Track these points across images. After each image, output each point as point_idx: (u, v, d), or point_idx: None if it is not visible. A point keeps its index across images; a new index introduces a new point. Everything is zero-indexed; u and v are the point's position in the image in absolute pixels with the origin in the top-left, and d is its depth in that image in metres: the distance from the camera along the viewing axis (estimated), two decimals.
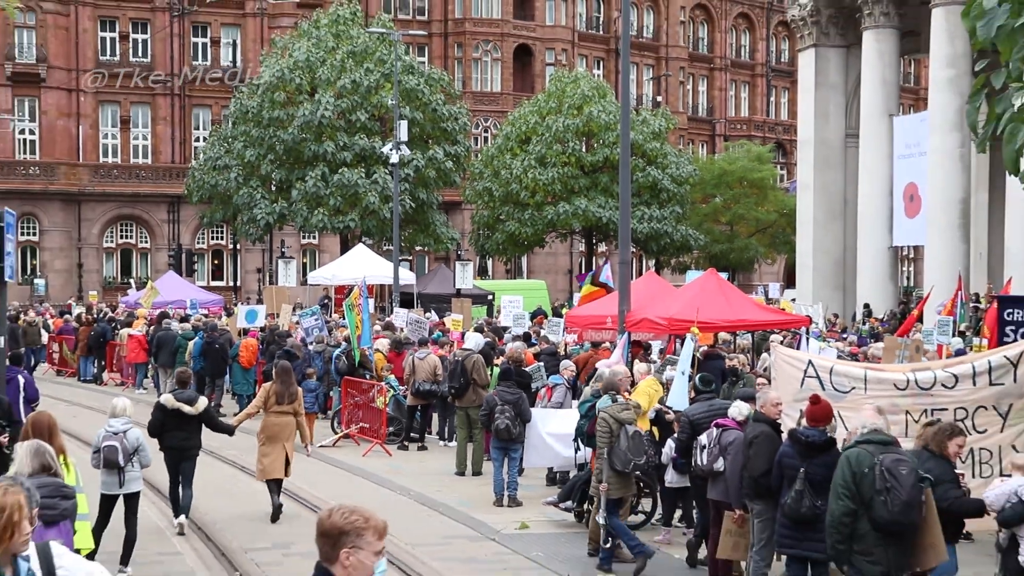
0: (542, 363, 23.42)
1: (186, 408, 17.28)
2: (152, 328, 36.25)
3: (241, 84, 62.21)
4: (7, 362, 20.64)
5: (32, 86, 72.23)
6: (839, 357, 22.17)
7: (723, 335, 26.41)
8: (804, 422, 12.70)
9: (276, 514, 18.17)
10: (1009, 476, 11.94)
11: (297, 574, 14.83)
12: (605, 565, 15.11)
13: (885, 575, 10.90)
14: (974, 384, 14.39)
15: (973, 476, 13.42)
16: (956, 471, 11.78)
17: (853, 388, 14.49)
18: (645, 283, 30.38)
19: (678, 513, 17.43)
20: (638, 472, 15.58)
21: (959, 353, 21.38)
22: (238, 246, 68.00)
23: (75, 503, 7.74)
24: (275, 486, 18.29)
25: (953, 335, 26.80)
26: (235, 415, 20.47)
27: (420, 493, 20.24)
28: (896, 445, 11.33)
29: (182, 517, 17.36)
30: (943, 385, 14.38)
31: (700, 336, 23.91)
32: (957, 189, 40.92)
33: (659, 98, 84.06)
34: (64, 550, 7.59)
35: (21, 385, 19.13)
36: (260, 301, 45.85)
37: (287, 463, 18.27)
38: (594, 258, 62.02)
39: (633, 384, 18.27)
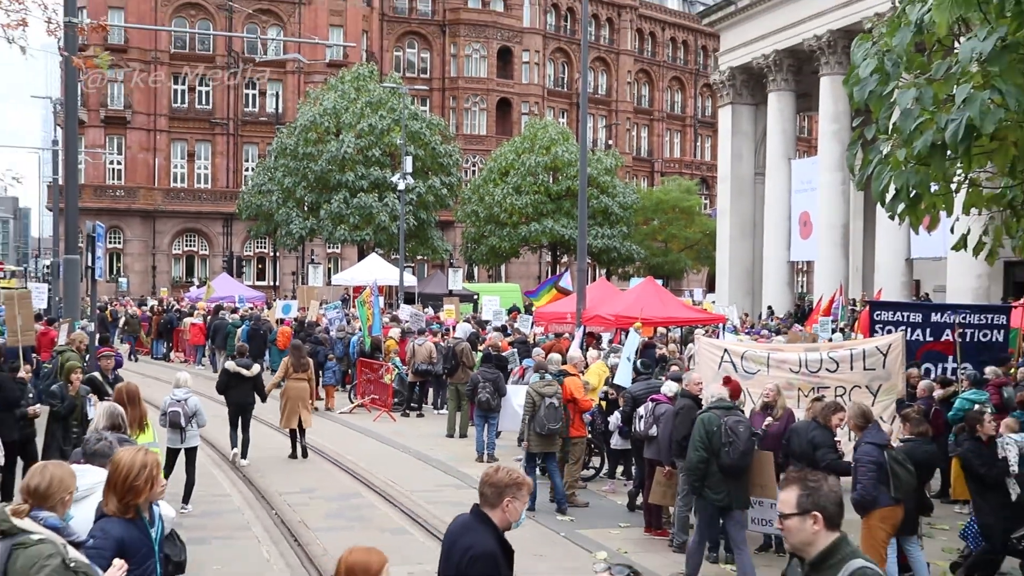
0: (515, 349, 23.44)
1: (244, 371, 18.81)
2: (209, 317, 36.36)
3: (281, 126, 61.99)
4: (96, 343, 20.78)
5: (119, 127, 72.40)
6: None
7: (659, 329, 26.51)
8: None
9: (304, 453, 19.65)
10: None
11: (321, 513, 14.90)
12: (562, 506, 15.29)
13: (727, 504, 11.75)
14: (851, 368, 14.59)
15: (850, 440, 13.49)
16: (835, 439, 11.88)
17: (759, 370, 14.63)
18: (597, 287, 30.45)
19: (620, 469, 17.60)
20: (555, 433, 15.49)
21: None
22: (277, 254, 67.89)
23: (106, 452, 7.62)
24: (298, 434, 19.58)
25: (833, 332, 26.85)
26: None
27: (417, 451, 20.28)
28: (738, 410, 12.33)
29: (246, 460, 18.79)
30: (827, 369, 14.58)
31: (642, 330, 24.05)
32: (839, 216, 41.09)
33: (610, 142, 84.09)
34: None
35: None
36: (294, 297, 45.79)
37: (301, 420, 19.43)
38: (558, 267, 62.08)
39: (587, 366, 18.39)
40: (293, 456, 19.55)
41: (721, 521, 11.87)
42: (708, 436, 11.61)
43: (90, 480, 7.07)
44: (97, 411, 10.07)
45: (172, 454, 14.98)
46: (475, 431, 19.96)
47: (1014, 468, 11.58)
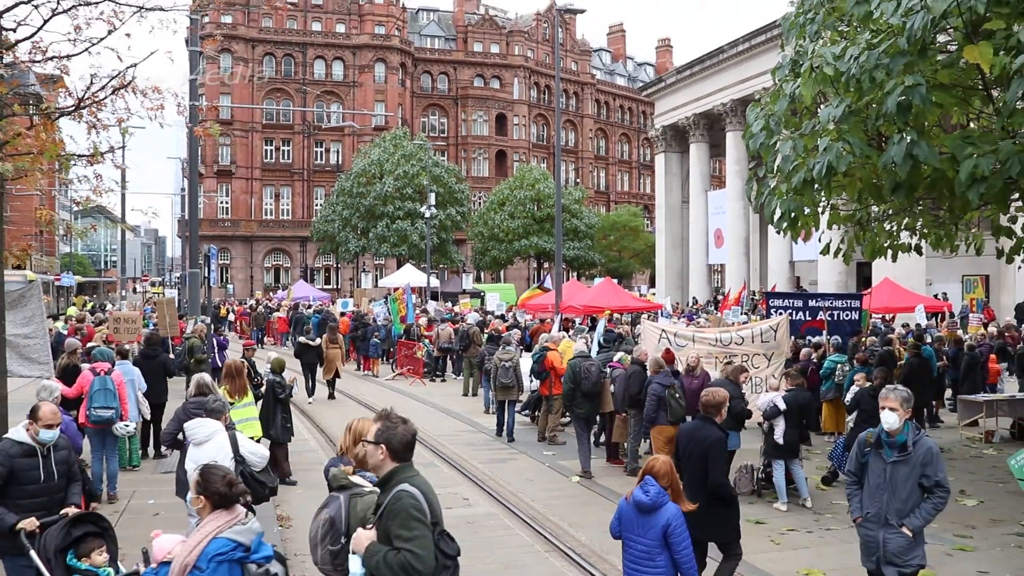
0: (512, 332, 23.44)
1: (311, 342, 21.47)
2: (291, 312, 36.30)
3: (341, 173, 62.10)
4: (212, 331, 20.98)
5: (227, 177, 72.79)
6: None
7: (615, 315, 26.50)
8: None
9: (332, 396, 21.28)
10: (767, 392, 12.07)
11: None
12: (512, 437, 15.80)
13: (588, 415, 13.49)
14: (753, 342, 14.54)
15: (752, 392, 13.48)
16: (742, 391, 11.87)
17: (687, 344, 14.56)
18: (570, 286, 30.43)
19: None
20: (508, 386, 16.48)
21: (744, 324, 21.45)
22: (339, 265, 67.79)
23: (220, 408, 7.79)
24: (332, 385, 21.43)
25: (740, 316, 26.85)
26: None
27: (441, 406, 20.22)
28: (589, 358, 13.97)
29: (311, 398, 20.52)
30: (736, 343, 14.49)
31: (606, 316, 24.05)
32: (742, 232, 41.08)
33: (577, 180, 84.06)
34: (241, 435, 7.64)
35: (216, 345, 19.34)
36: (351, 296, 45.75)
37: (336, 372, 21.41)
38: (542, 271, 61.91)
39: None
40: (331, 397, 21.22)
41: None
42: (574, 375, 13.40)
43: (209, 429, 7.23)
44: (192, 381, 10.08)
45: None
46: (483, 391, 19.85)
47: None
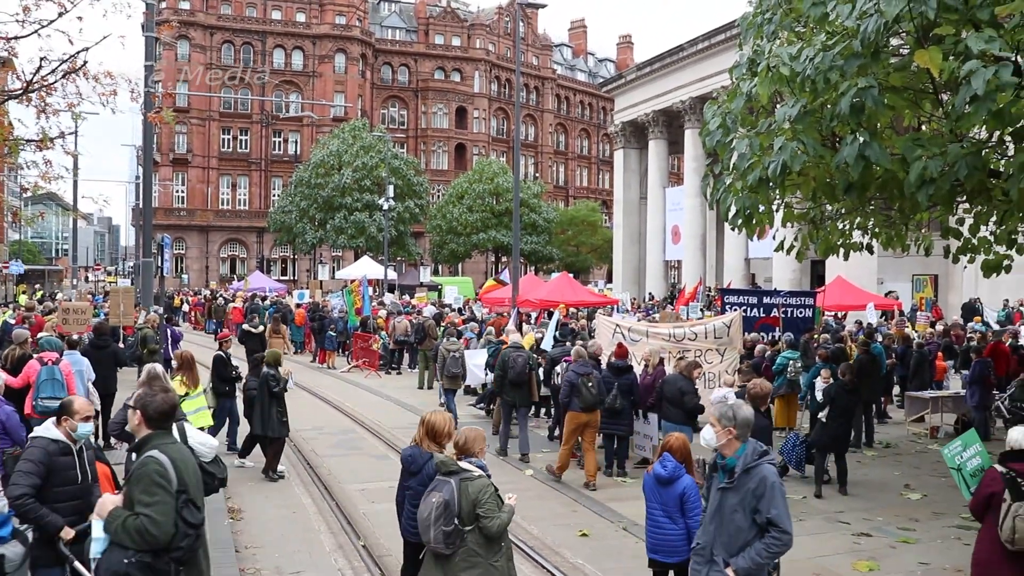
0: (470, 325, 23.43)
1: (254, 329, 22.53)
2: (247, 303, 35.90)
3: (299, 164, 61.59)
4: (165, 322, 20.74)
5: (183, 165, 71.59)
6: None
7: (570, 309, 26.59)
8: (614, 358, 12.89)
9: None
10: (720, 387, 12.20)
11: (326, 444, 14.71)
12: (526, 450, 15.28)
13: (514, 403, 14.02)
14: (706, 337, 14.63)
15: (705, 388, 13.60)
16: (695, 386, 11.96)
17: (641, 339, 14.63)
18: (526, 280, 30.48)
19: (543, 410, 17.56)
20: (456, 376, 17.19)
21: (698, 319, 21.61)
22: (296, 256, 67.46)
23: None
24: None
25: (697, 312, 27.07)
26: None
27: (397, 399, 20.12)
28: (523, 349, 14.35)
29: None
30: (689, 339, 14.58)
31: (562, 311, 24.12)
32: (699, 228, 41.43)
33: (537, 175, 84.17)
34: (189, 426, 7.55)
35: (169, 336, 19.10)
36: (307, 287, 45.45)
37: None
38: (499, 265, 61.91)
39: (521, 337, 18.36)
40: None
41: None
42: (503, 364, 13.92)
43: None
44: (144, 371, 9.94)
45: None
46: (438, 384, 19.71)
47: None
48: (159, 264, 24.65)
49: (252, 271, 61.99)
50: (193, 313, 42.77)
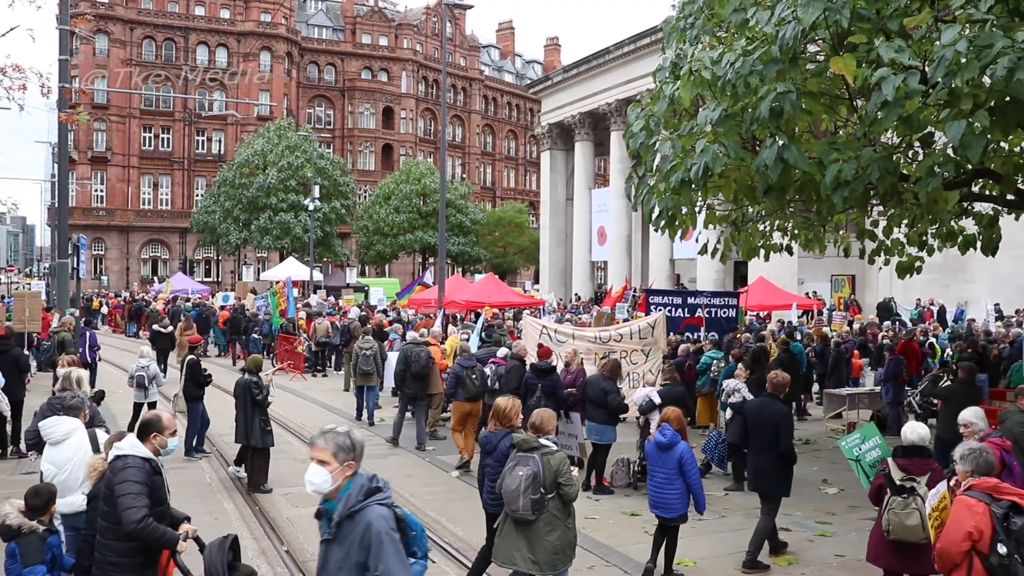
0: (395, 326, 23.28)
1: (163, 329, 22.96)
2: (168, 305, 35.12)
3: (223, 163, 60.57)
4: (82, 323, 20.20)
5: (102, 164, 69.54)
6: (560, 323, 22.42)
7: (495, 310, 26.61)
8: (538, 359, 12.95)
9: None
10: (643, 387, 12.32)
11: None
12: (371, 419, 16.39)
13: (415, 395, 14.78)
14: (631, 338, 14.75)
15: (630, 387, 13.73)
16: (618, 386, 12.07)
17: (567, 340, 14.69)
18: (453, 281, 30.50)
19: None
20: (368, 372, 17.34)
21: (626, 321, 21.84)
22: (219, 258, 66.24)
23: (79, 405, 7.43)
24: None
25: (625, 313, 27.29)
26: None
27: (322, 401, 19.91)
28: (425, 346, 15.04)
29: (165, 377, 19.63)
30: (614, 340, 14.70)
31: (488, 312, 24.12)
32: (624, 230, 41.91)
33: (464, 175, 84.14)
34: (102, 433, 7.35)
35: (87, 340, 18.63)
36: (232, 289, 44.67)
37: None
38: (427, 265, 61.63)
39: (445, 338, 18.35)
40: None
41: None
42: (406, 358, 14.65)
43: (66, 427, 6.91)
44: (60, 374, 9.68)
45: (137, 407, 14.46)
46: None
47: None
48: (75, 265, 23.97)
49: (175, 273, 60.72)
50: (113, 316, 41.68)
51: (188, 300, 36.81)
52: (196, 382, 13.74)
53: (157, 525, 5.45)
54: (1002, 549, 5.08)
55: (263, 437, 12.01)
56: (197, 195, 70.46)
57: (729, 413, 12.34)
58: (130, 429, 14.19)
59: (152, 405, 14.47)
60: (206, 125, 72.54)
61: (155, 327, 24.16)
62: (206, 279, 67.12)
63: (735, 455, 12.24)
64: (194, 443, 13.98)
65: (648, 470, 8.37)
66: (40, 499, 5.68)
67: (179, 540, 5.51)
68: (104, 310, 43.02)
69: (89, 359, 18.56)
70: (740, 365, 13.00)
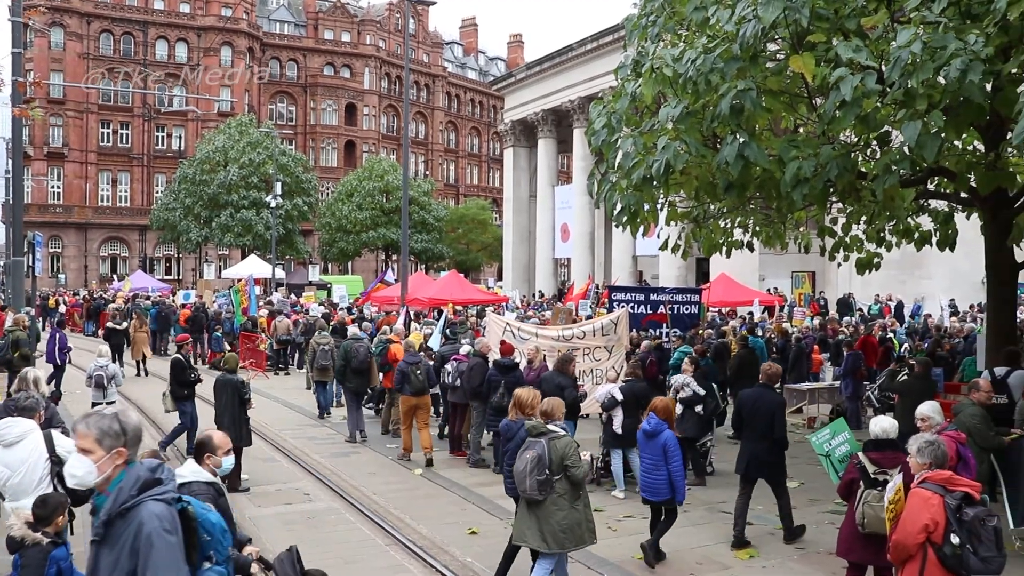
0: (356, 323, 23.20)
1: (118, 326, 23.47)
2: (128, 304, 34.60)
3: (184, 160, 59.83)
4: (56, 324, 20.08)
5: (58, 160, 68.36)
6: (522, 320, 22.41)
7: (458, 308, 26.59)
8: (500, 355, 12.97)
9: (145, 374, 23.53)
10: (605, 384, 12.38)
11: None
12: (356, 432, 15.42)
13: (357, 390, 15.42)
14: (595, 335, 14.82)
15: (593, 384, 13.79)
16: (575, 381, 12.11)
17: (530, 338, 14.71)
18: (416, 278, 30.44)
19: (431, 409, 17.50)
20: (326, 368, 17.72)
21: (588, 318, 21.89)
22: (180, 255, 65.43)
23: (34, 406, 7.27)
24: (141, 364, 23.80)
25: (587, 310, 27.35)
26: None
27: (284, 399, 19.75)
28: (361, 340, 15.82)
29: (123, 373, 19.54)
30: (578, 337, 14.75)
31: (450, 309, 24.10)
32: (587, 226, 42.05)
33: (427, 172, 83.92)
34: (58, 434, 7.21)
35: (57, 339, 18.67)
36: (194, 287, 44.16)
37: (144, 353, 23.83)
38: (389, 263, 61.38)
39: (407, 335, 18.27)
40: (143, 374, 23.40)
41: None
42: (346, 353, 15.15)
43: (21, 429, 6.79)
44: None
45: (95, 407, 14.22)
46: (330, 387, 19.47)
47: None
48: (31, 263, 23.57)
49: (134, 270, 59.84)
50: (71, 315, 40.98)
51: (148, 298, 36.30)
52: (180, 381, 13.46)
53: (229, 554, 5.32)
54: (955, 539, 5.26)
55: (247, 437, 12.01)
56: (157, 192, 69.40)
57: (680, 408, 12.42)
58: None
59: (111, 405, 14.27)
60: (166, 121, 71.58)
61: (109, 324, 24.18)
62: (166, 277, 66.23)
63: (688, 449, 12.34)
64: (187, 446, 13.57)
65: (640, 456, 9.00)
66: (46, 509, 5.46)
67: (251, 563, 5.33)
68: (62, 309, 42.29)
69: (59, 361, 18.71)
70: (687, 360, 13.12)
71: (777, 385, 10.32)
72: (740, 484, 9.65)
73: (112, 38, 69.93)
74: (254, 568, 5.29)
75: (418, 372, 13.42)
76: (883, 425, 7.16)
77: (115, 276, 64.97)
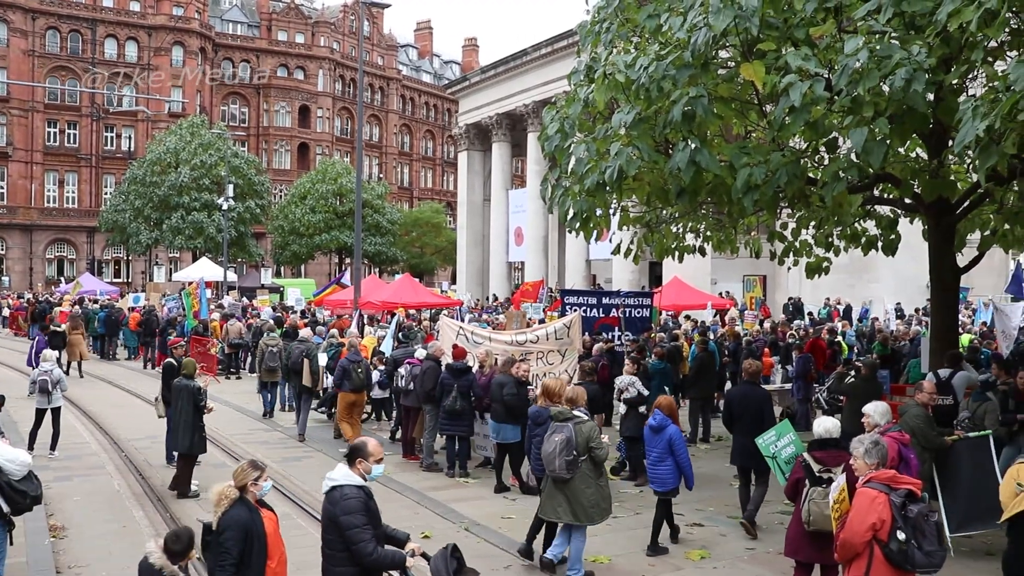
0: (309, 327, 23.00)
1: (57, 328, 23.47)
2: (74, 307, 33.96)
3: (133, 161, 58.86)
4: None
5: (3, 159, 66.51)
6: (474, 323, 22.39)
7: (411, 311, 26.51)
8: (452, 359, 12.98)
9: (80, 375, 23.74)
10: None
11: (161, 453, 13.97)
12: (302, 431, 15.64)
13: (299, 390, 15.92)
14: (548, 339, 14.84)
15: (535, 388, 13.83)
16: (524, 384, 12.13)
17: (484, 342, 14.71)
18: (369, 281, 30.17)
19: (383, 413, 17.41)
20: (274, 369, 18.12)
21: (541, 322, 21.93)
22: (130, 258, 64.31)
23: None
24: (79, 367, 24.08)
25: (539, 312, 27.35)
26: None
27: (236, 404, 19.49)
28: (307, 342, 16.36)
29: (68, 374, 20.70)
30: (531, 342, 14.77)
31: (402, 313, 24.00)
32: (541, 231, 42.13)
33: (381, 175, 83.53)
34: (2, 443, 7.08)
35: (37, 342, 18.93)
36: (143, 290, 43.46)
37: (81, 355, 24.13)
38: (343, 266, 61.01)
39: (362, 338, 18.22)
40: (80, 376, 23.54)
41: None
42: (288, 354, 16.22)
43: None
44: None
45: (40, 413, 13.91)
46: (278, 388, 19.19)
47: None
48: None
49: (82, 273, 58.70)
50: (15, 318, 40.11)
51: (96, 302, 35.66)
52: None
53: (386, 552, 5.64)
54: (901, 535, 5.43)
55: (200, 444, 11.82)
56: (106, 193, 68.10)
57: (623, 408, 12.59)
58: (32, 436, 13.81)
59: (56, 411, 13.99)
60: (115, 121, 70.25)
61: (51, 327, 24.24)
62: (115, 280, 65.06)
63: (632, 448, 12.49)
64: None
65: (646, 450, 9.58)
66: (180, 544, 5.44)
67: (407, 558, 5.67)
68: (5, 312, 41.40)
69: (36, 365, 18.30)
70: (627, 361, 13.23)
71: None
72: (739, 475, 10.43)
73: (59, 35, 68.54)
74: (409, 561, 5.66)
75: (359, 370, 14.18)
76: (826, 425, 7.37)
77: (62, 279, 63.72)
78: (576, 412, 8.36)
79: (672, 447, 9.18)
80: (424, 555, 5.76)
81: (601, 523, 8.49)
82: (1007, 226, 12.32)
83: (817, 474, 7.06)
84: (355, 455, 5.82)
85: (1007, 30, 7.79)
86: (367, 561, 5.52)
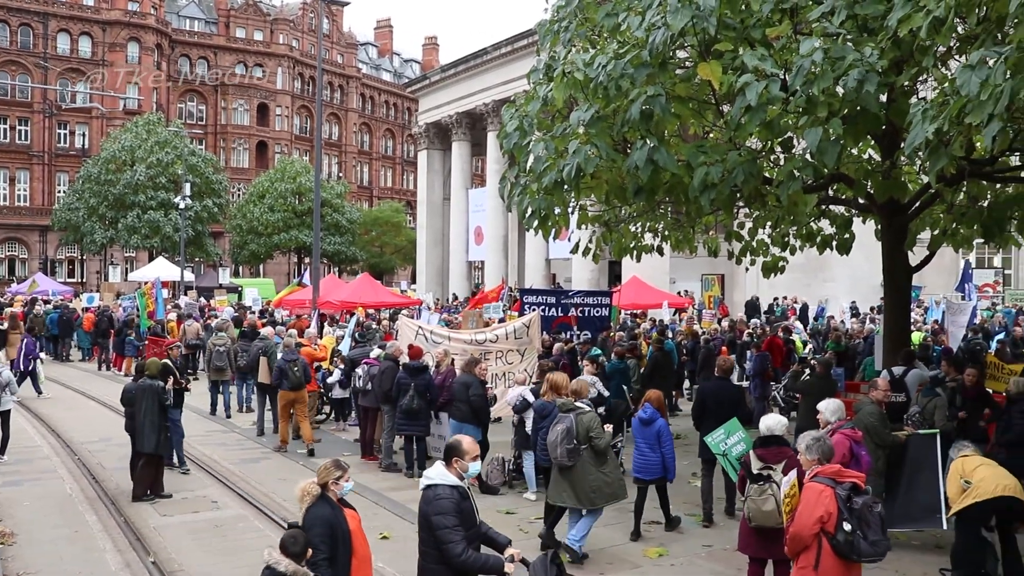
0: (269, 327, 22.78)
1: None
2: (26, 307, 33.29)
3: (88, 158, 57.88)
4: None
5: None
6: (438, 323, 22.31)
7: (370, 311, 26.37)
8: (409, 359, 12.93)
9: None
10: (515, 387, 12.42)
11: (114, 457, 13.73)
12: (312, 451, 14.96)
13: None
14: (507, 339, 14.85)
15: (506, 387, 13.81)
16: (485, 383, 12.13)
17: (443, 342, 14.67)
18: (328, 281, 30.06)
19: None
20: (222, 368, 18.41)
21: (501, 321, 21.93)
22: (84, 257, 63.21)
23: None
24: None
25: (499, 312, 27.31)
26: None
27: (194, 405, 19.03)
28: (267, 340, 16.54)
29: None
30: (490, 341, 14.76)
31: (361, 312, 23.87)
32: (501, 230, 42.11)
33: (340, 174, 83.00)
34: None
35: (25, 345, 19.47)
36: (98, 290, 42.77)
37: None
38: (302, 266, 60.50)
39: (321, 337, 18.10)
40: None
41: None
42: (247, 352, 16.85)
43: None
44: None
45: None
46: (235, 388, 18.97)
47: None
48: None
49: (34, 272, 57.60)
50: None
51: (48, 302, 35.01)
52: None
53: (477, 555, 5.55)
54: (847, 527, 5.61)
55: (166, 444, 11.75)
56: (59, 191, 66.86)
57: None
58: None
59: (5, 414, 13.70)
60: (68, 118, 68.94)
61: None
62: (69, 280, 63.91)
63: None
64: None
65: (635, 441, 9.91)
66: (299, 544, 5.31)
67: (504, 563, 5.56)
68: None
69: (23, 367, 19.45)
70: (586, 361, 13.27)
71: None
72: (703, 467, 10.68)
73: (8, 29, 67.13)
74: (508, 567, 5.53)
75: (295, 368, 14.37)
76: (768, 423, 7.44)
77: (13, 279, 62.46)
78: (579, 403, 8.95)
79: (660, 439, 9.61)
80: (523, 561, 5.70)
81: (605, 506, 9.00)
82: (955, 226, 12.54)
83: (755, 472, 7.18)
84: (452, 454, 5.75)
85: (954, 35, 7.91)
86: (456, 562, 5.46)
